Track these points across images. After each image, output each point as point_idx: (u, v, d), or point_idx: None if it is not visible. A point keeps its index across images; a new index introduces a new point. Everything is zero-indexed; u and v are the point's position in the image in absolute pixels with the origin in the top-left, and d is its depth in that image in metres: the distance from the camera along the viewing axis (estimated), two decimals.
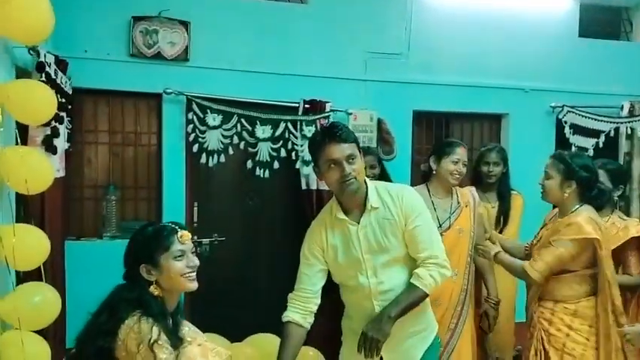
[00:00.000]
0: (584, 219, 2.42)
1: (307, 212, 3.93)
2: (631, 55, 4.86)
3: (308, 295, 2.21)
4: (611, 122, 4.62)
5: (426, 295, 2.15)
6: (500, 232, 3.33)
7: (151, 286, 1.80)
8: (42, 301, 2.57)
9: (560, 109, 4.61)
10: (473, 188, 3.05)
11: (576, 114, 4.62)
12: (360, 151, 2.15)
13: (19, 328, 2.45)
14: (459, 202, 2.91)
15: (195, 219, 4.02)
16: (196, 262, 1.87)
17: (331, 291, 2.39)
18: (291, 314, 2.19)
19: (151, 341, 1.68)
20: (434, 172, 2.91)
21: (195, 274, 1.87)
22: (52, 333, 2.90)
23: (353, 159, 2.09)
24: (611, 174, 2.77)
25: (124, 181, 3.94)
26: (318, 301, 2.24)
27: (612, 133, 4.63)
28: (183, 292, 1.90)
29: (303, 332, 2.19)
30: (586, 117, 4.63)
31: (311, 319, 2.21)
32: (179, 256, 1.83)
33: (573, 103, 4.61)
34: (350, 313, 2.33)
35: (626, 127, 4.64)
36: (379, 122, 4.20)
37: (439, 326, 2.41)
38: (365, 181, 2.19)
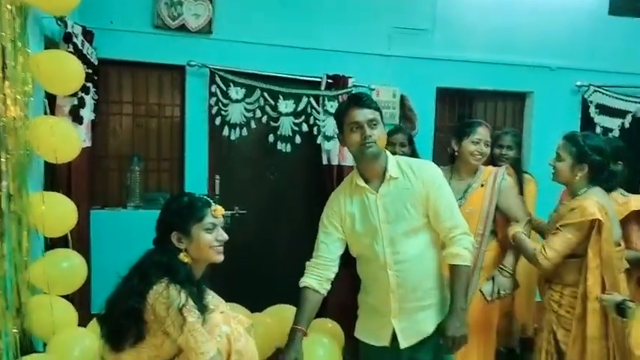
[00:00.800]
0: (590, 202, 2.40)
1: (327, 187, 3.94)
2: None
3: (325, 262, 2.26)
4: (638, 102, 4.54)
5: (469, 268, 2.26)
6: None
7: (181, 254, 1.85)
8: (69, 267, 2.65)
9: (587, 88, 4.54)
10: (502, 167, 2.89)
11: (602, 93, 4.55)
12: (382, 121, 2.19)
13: (47, 292, 2.55)
14: (476, 183, 2.81)
15: (217, 191, 4.07)
16: (225, 236, 1.93)
17: (349, 264, 2.43)
18: (308, 280, 2.24)
19: (180, 305, 1.73)
20: (456, 153, 2.83)
21: (222, 247, 1.92)
22: (78, 299, 2.98)
23: (375, 124, 2.14)
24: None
25: (148, 152, 3.99)
26: (336, 270, 2.28)
27: (639, 114, 4.55)
28: (209, 262, 1.95)
29: (319, 298, 2.24)
30: (612, 97, 4.56)
31: (327, 286, 2.26)
32: (210, 229, 1.89)
33: (600, 83, 4.54)
34: (366, 287, 2.37)
35: None
36: (402, 99, 4.18)
37: None
38: (386, 152, 2.23)
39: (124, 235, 3.74)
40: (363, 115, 2.13)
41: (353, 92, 4.01)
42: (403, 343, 2.22)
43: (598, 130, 4.47)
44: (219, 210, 1.92)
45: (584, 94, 4.56)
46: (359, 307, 2.43)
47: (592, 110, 4.53)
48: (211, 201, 1.93)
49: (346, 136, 2.19)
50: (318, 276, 2.24)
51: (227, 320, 1.93)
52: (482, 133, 2.79)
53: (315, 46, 4.04)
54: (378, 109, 2.18)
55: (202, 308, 1.84)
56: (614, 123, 4.53)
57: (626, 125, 4.50)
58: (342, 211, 2.26)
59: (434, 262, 2.27)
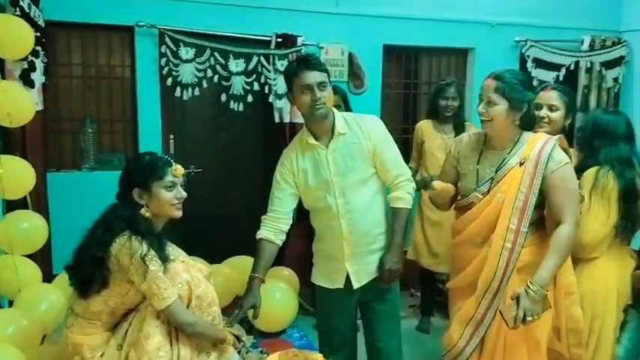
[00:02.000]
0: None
1: (280, 144, 4.08)
2: None
3: (279, 216, 2.43)
4: (571, 56, 4.81)
5: (409, 210, 2.46)
6: None
7: (143, 209, 1.99)
8: (31, 228, 2.74)
9: (524, 43, 4.75)
10: (553, 140, 2.22)
11: (539, 48, 4.77)
12: (330, 82, 2.34)
13: (10, 252, 2.64)
14: (511, 159, 2.23)
15: (172, 151, 4.14)
16: (184, 194, 2.08)
17: (303, 217, 2.61)
18: (263, 232, 2.42)
19: (143, 254, 1.88)
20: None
21: (181, 204, 2.07)
22: (40, 258, 3.07)
23: (324, 86, 2.29)
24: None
25: (100, 114, 4.01)
26: (289, 222, 2.47)
27: (572, 67, 4.82)
28: (168, 217, 2.09)
29: (275, 248, 2.43)
30: (548, 51, 4.79)
31: (282, 237, 2.45)
32: (170, 187, 2.03)
33: (537, 38, 4.76)
34: (321, 236, 2.56)
35: (586, 62, 4.82)
36: (350, 56, 4.30)
37: (466, 312, 2.32)
38: (333, 111, 2.40)
39: (81, 196, 3.81)
40: (312, 77, 2.27)
41: (302, 51, 4.12)
42: (356, 284, 2.44)
43: (535, 83, 4.73)
44: (179, 169, 2.06)
45: (522, 49, 4.78)
46: (314, 255, 2.62)
47: (529, 64, 4.74)
48: (172, 160, 2.06)
49: (296, 98, 2.33)
50: (273, 228, 2.42)
51: (187, 268, 2.09)
52: (482, 87, 2.28)
53: (263, 5, 4.08)
54: (326, 70, 2.33)
55: (163, 258, 1.99)
56: (549, 76, 4.76)
57: (561, 78, 4.76)
58: (294, 167, 2.43)
59: (381, 210, 2.48)
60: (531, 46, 4.75)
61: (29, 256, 2.84)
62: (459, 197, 2.43)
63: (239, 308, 2.30)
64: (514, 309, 2.05)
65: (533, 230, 2.21)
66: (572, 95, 2.76)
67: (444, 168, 2.55)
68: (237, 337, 2.21)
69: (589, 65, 4.84)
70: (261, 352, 2.37)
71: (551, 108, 2.62)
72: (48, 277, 3.09)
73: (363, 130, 2.39)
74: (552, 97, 2.63)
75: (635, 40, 4.87)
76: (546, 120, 2.61)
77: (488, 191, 2.25)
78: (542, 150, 2.16)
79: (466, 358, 2.32)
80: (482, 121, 2.24)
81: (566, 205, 2.14)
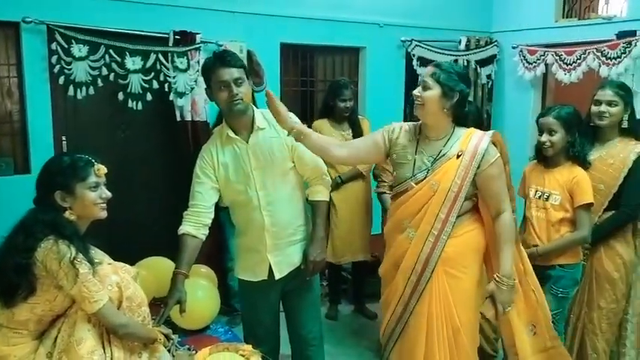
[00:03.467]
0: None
1: (183, 143, 4.06)
2: None
3: (201, 210, 2.45)
4: (450, 55, 5.23)
5: (328, 203, 2.61)
6: None
7: (67, 212, 1.92)
8: None
9: (410, 42, 5.10)
10: (488, 135, 2.34)
11: (422, 47, 5.14)
12: (247, 77, 2.39)
13: None
14: (448, 151, 2.33)
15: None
16: (108, 194, 2.04)
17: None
18: (186, 227, 2.42)
19: (72, 258, 1.83)
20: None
21: (105, 204, 2.02)
22: None
23: (241, 82, 2.34)
24: None
25: None
26: (211, 216, 2.49)
27: None
28: (93, 219, 2.04)
29: (198, 242, 2.44)
30: (430, 50, 5.18)
31: (205, 232, 2.46)
32: (94, 187, 1.98)
33: (420, 38, 5.12)
34: (242, 230, 2.61)
35: (463, 60, 5.27)
36: (249, 54, 4.35)
37: (394, 294, 2.43)
38: (252, 106, 2.46)
39: None
40: (229, 74, 2.31)
41: (201, 48, 4.11)
42: (277, 275, 2.52)
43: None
44: (102, 169, 2.02)
45: (408, 48, 5.12)
46: (236, 249, 2.67)
47: (414, 62, 5.10)
48: (93, 160, 2.01)
49: (214, 93, 2.37)
50: (195, 223, 2.43)
51: (115, 270, 2.05)
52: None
53: (160, 2, 4.01)
54: (242, 66, 2.38)
55: (90, 261, 1.94)
56: None
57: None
58: (214, 162, 2.46)
59: (301, 202, 2.59)
60: (416, 45, 5.10)
61: None
62: (394, 184, 2.52)
63: (164, 306, 2.30)
64: (491, 307, 2.27)
65: (459, 222, 2.32)
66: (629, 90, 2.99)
67: (367, 139, 2.63)
68: (167, 336, 2.21)
69: (466, 63, 5.29)
70: (188, 349, 2.37)
71: (610, 104, 2.84)
72: None
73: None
74: (611, 94, 2.84)
75: (504, 40, 5.41)
76: (606, 114, 2.85)
77: (424, 179, 2.33)
78: (478, 145, 2.28)
79: (397, 336, 2.44)
80: (415, 105, 2.33)
81: (503, 193, 2.33)
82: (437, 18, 5.24)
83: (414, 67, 5.10)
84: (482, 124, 3.24)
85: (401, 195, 2.42)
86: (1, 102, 3.78)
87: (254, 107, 2.48)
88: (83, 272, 1.86)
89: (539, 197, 2.86)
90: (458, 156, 2.30)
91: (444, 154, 2.33)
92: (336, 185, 3.86)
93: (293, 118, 2.38)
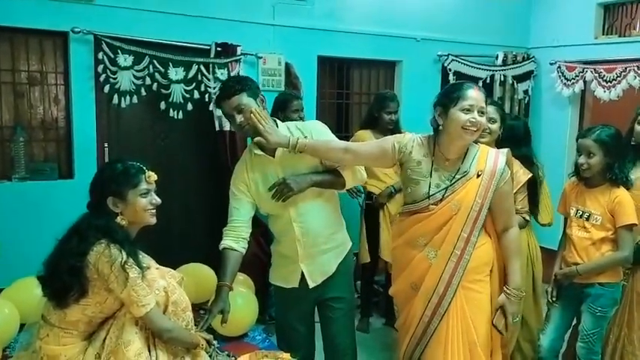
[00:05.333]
0: None
1: (221, 152, 4.13)
2: (504, 10, 5.42)
3: (239, 225, 2.50)
4: (487, 70, 5.23)
5: (344, 184, 2.53)
6: None
7: (118, 217, 1.99)
8: None
9: (446, 57, 5.11)
10: (503, 154, 2.36)
11: (459, 62, 5.15)
12: (255, 96, 2.43)
13: None
14: (468, 170, 2.30)
15: (107, 160, 4.05)
16: (158, 200, 2.10)
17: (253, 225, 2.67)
18: (226, 242, 2.47)
19: (122, 262, 1.89)
20: (440, 127, 2.30)
21: (155, 210, 2.08)
22: None
23: (241, 109, 2.40)
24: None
25: (32, 121, 3.85)
26: (249, 230, 2.54)
27: (488, 80, 5.23)
28: (143, 225, 2.10)
29: (239, 255, 2.49)
30: (467, 65, 5.18)
31: (244, 244, 2.51)
32: (145, 194, 2.04)
33: (457, 53, 5.13)
34: (277, 239, 2.66)
35: (500, 75, 5.26)
36: (287, 66, 4.42)
37: (413, 317, 2.38)
38: (275, 121, 2.51)
39: (11, 207, 3.65)
40: (228, 105, 2.42)
41: (241, 60, 4.19)
42: (311, 284, 2.55)
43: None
44: (152, 176, 2.08)
45: (444, 63, 5.12)
46: (272, 256, 2.71)
47: (451, 77, 5.10)
48: (144, 167, 2.07)
49: (230, 122, 2.50)
50: (235, 237, 2.48)
51: (162, 275, 2.11)
52: (474, 97, 2.24)
53: (203, 14, 4.11)
54: (243, 90, 2.40)
55: (140, 265, 2.00)
56: None
57: None
58: (246, 178, 2.52)
59: (331, 211, 2.61)
60: (452, 60, 5.10)
61: None
62: (406, 202, 2.44)
63: (208, 313, 2.34)
64: (502, 318, 2.29)
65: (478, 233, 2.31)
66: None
67: (374, 145, 2.51)
68: (208, 342, 2.25)
69: (502, 78, 5.28)
70: (228, 355, 2.41)
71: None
72: None
73: (306, 134, 2.50)
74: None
75: (541, 55, 5.38)
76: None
77: (442, 199, 2.29)
78: (496, 164, 2.29)
79: (417, 357, 2.39)
80: (472, 132, 2.23)
81: (513, 208, 2.41)
82: (474, 33, 5.24)
83: (450, 82, 5.08)
84: (531, 142, 3.24)
85: (414, 213, 2.35)
86: (48, 109, 3.91)
87: (277, 122, 2.52)
88: (133, 276, 1.92)
89: (580, 216, 2.84)
90: (478, 175, 2.28)
91: (464, 173, 2.30)
92: (389, 195, 3.92)
93: (282, 132, 2.44)
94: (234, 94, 2.39)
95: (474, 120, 2.20)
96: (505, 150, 2.39)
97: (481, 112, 2.23)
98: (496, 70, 5.26)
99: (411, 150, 2.35)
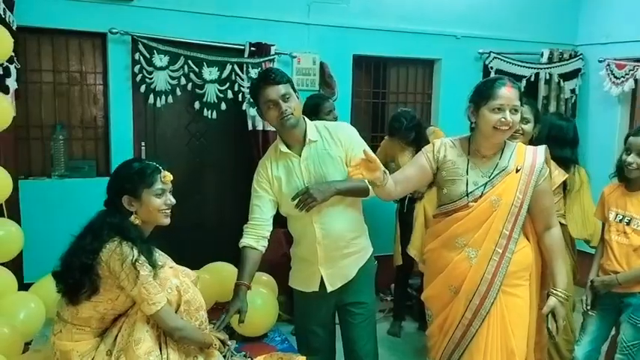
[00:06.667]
0: None
1: (253, 152, 4.14)
2: (550, 6, 5.21)
3: (260, 223, 2.47)
4: (532, 68, 5.04)
5: (367, 191, 2.42)
6: None
7: (132, 216, 2.00)
8: (7, 235, 2.70)
9: (487, 55, 4.95)
10: (542, 150, 2.29)
11: (501, 60, 4.98)
12: (294, 91, 2.40)
13: None
14: (506, 165, 2.25)
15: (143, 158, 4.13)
16: (173, 201, 2.10)
17: (279, 225, 2.66)
18: (246, 240, 2.45)
19: (133, 260, 1.90)
20: (473, 124, 2.28)
21: (169, 211, 2.09)
22: (12, 268, 3.02)
23: (288, 97, 2.35)
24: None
25: (71, 120, 3.97)
26: (270, 228, 2.51)
27: (533, 78, 5.05)
28: (157, 224, 2.11)
29: (258, 254, 2.46)
30: (510, 63, 5.01)
31: (264, 243, 2.48)
32: (159, 194, 2.05)
33: (499, 50, 4.96)
34: (297, 241, 2.62)
35: (545, 73, 5.06)
36: (321, 65, 4.39)
37: (453, 320, 2.30)
38: (304, 119, 2.46)
39: (51, 203, 3.77)
40: (275, 91, 2.33)
41: (275, 60, 4.19)
42: (329, 288, 2.50)
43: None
44: (168, 176, 2.08)
45: (486, 61, 4.97)
46: (292, 258, 2.67)
47: (492, 75, 4.95)
48: (160, 167, 2.08)
49: (264, 113, 2.41)
50: (255, 235, 2.45)
51: (176, 274, 2.11)
52: (506, 95, 2.14)
53: (237, 14, 4.13)
54: (288, 80, 2.38)
55: (153, 264, 2.01)
56: None
57: (522, 89, 4.96)
58: (269, 175, 2.48)
59: (354, 215, 2.54)
60: (494, 57, 4.95)
61: (2, 265, 2.79)
62: (442, 202, 2.36)
63: (225, 313, 2.33)
64: (554, 322, 2.19)
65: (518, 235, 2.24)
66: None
67: (412, 168, 2.38)
68: (223, 342, 2.23)
69: (548, 77, 5.08)
70: (244, 356, 2.40)
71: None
72: (20, 285, 3.03)
73: (334, 136, 2.46)
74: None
75: (590, 53, 5.14)
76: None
77: (481, 195, 2.23)
78: (535, 160, 2.24)
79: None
80: (506, 132, 2.17)
81: (553, 207, 2.33)
82: (517, 29, 5.05)
83: None
84: (577, 146, 3.10)
85: (452, 213, 2.29)
86: (87, 108, 4.02)
87: (306, 120, 2.48)
88: (144, 274, 1.93)
89: (620, 221, 2.69)
90: (517, 170, 2.23)
91: (503, 168, 2.25)
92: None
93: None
94: (282, 81, 2.35)
95: (504, 120, 2.15)
96: (543, 147, 2.31)
97: (514, 110, 2.16)
98: (541, 68, 5.06)
99: (444, 153, 2.32)
